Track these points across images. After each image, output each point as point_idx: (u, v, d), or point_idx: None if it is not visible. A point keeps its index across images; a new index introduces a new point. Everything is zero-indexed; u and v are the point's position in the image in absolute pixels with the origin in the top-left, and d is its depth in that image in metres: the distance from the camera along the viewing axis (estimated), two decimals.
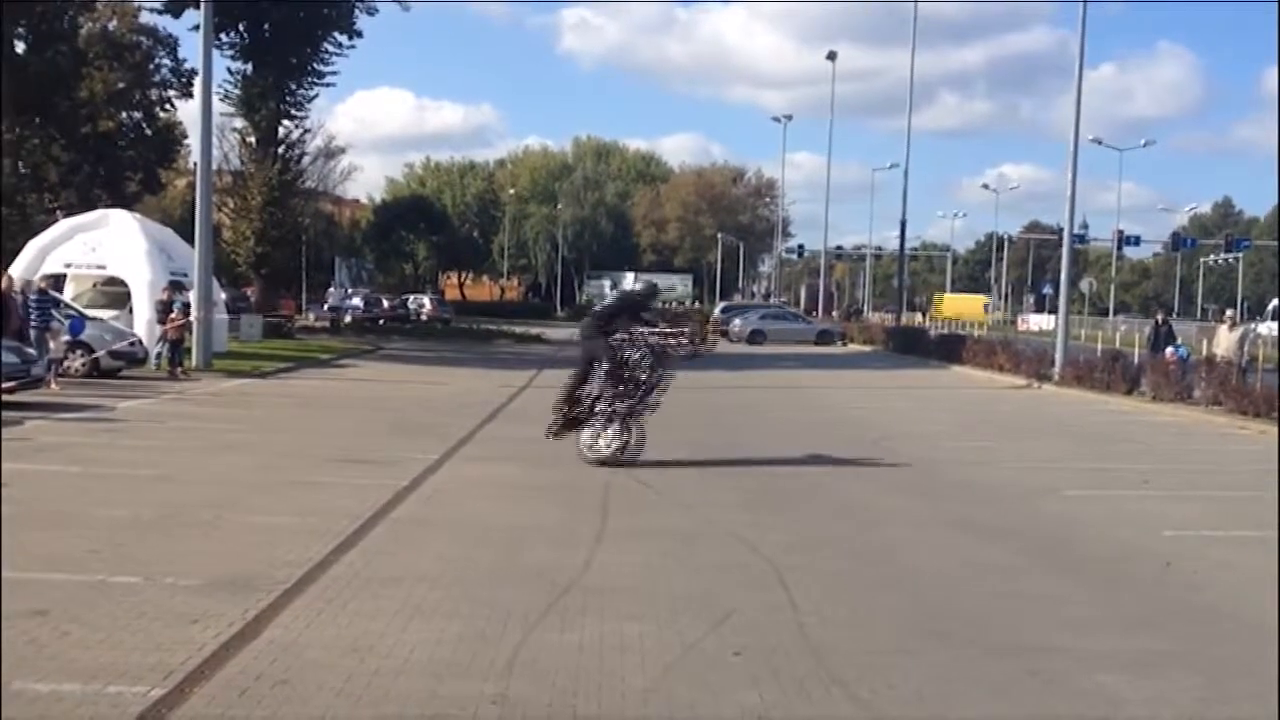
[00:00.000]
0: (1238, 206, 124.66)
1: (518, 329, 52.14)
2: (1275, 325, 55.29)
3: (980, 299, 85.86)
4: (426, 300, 69.37)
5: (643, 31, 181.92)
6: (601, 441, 13.20)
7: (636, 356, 13.21)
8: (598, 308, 14.43)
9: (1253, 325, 35.96)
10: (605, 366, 13.19)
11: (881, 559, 9.03)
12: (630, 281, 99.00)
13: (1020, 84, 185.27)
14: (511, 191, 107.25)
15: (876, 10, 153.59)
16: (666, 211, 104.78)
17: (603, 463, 12.96)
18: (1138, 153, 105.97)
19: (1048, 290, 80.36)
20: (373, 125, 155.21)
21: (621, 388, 13.09)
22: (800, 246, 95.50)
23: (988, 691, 6.01)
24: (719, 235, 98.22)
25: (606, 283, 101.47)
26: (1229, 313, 28.45)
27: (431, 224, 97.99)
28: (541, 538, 9.25)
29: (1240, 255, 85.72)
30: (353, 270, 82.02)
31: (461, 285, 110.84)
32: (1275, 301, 73.12)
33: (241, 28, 39.67)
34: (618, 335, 13.42)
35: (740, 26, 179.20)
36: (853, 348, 48.61)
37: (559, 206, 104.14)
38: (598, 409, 13.17)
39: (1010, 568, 8.82)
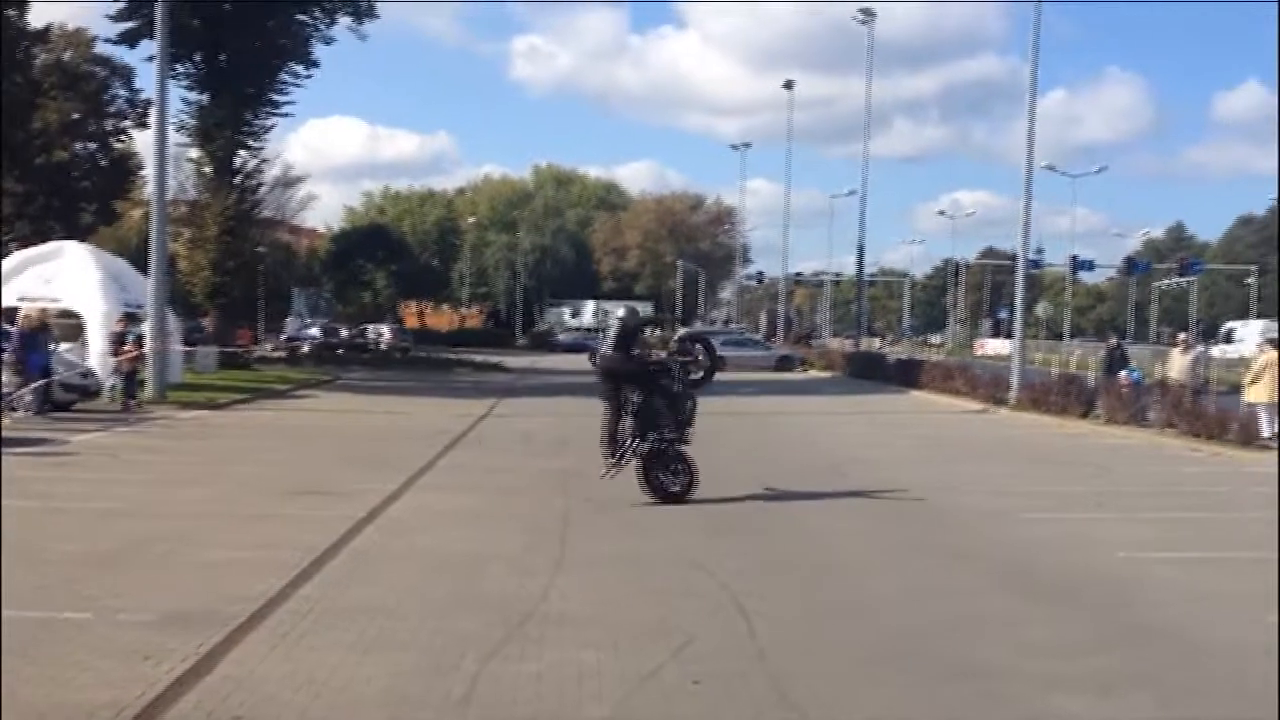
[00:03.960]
0: (1190, 231, 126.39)
1: (478, 358, 52.00)
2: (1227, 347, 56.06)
3: None
4: (386, 329, 68.98)
5: (594, 59, 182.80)
6: (666, 478, 12.92)
7: (674, 385, 13.13)
8: (605, 343, 13.64)
9: (1203, 348, 36.37)
10: (639, 398, 12.93)
11: (840, 584, 9.05)
12: (591, 311, 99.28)
13: (972, 110, 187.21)
14: (471, 219, 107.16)
15: (828, 38, 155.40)
16: (627, 239, 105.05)
17: (667, 500, 12.75)
18: (1090, 178, 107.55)
19: (1004, 315, 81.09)
20: (327, 154, 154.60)
21: (665, 418, 12.91)
22: (760, 273, 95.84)
23: (945, 715, 6.03)
24: (679, 262, 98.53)
25: (567, 310, 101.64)
26: (1182, 336, 28.76)
27: (390, 252, 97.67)
28: (500, 567, 9.21)
29: (1193, 279, 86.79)
30: (311, 299, 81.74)
31: (421, 314, 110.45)
32: (1227, 324, 74.15)
33: (197, 58, 39.44)
34: (652, 364, 13.37)
35: (693, 54, 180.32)
36: (812, 373, 48.83)
37: (519, 234, 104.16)
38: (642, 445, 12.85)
39: (968, 591, 8.87)
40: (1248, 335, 62.87)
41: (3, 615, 7.20)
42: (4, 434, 17.40)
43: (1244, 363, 27.18)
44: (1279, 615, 7.77)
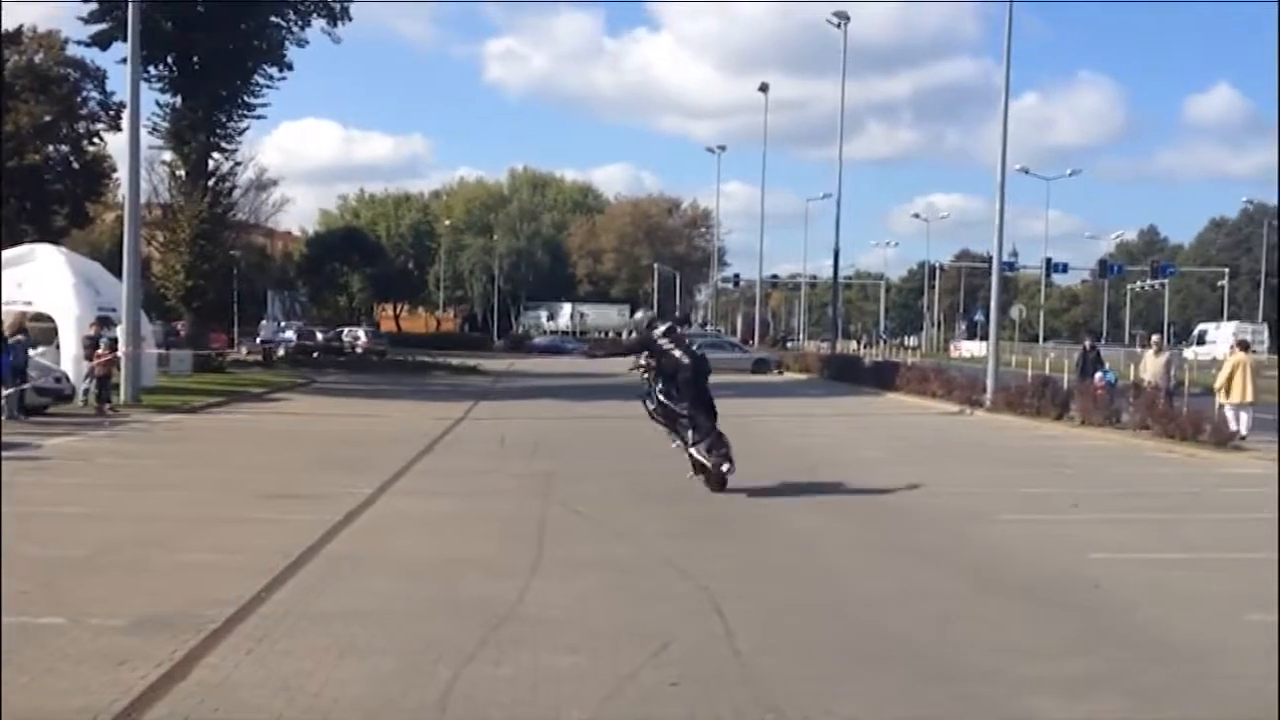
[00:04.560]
0: (1163, 234, 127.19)
1: (454, 361, 51.90)
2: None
3: None
4: (361, 332, 68.82)
5: (570, 61, 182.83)
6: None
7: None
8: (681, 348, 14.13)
9: (1176, 350, 36.63)
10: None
11: (817, 585, 9.06)
12: (567, 314, 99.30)
13: (945, 113, 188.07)
14: (447, 223, 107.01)
15: (800, 40, 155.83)
16: (603, 242, 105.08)
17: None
18: (1064, 181, 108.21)
19: (979, 317, 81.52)
20: (301, 156, 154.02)
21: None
22: (736, 276, 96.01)
23: (923, 716, 6.05)
24: (655, 265, 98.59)
25: (543, 313, 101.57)
26: (1155, 338, 28.95)
27: (366, 255, 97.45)
28: (476, 571, 9.18)
29: (1166, 281, 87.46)
30: (286, 303, 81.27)
31: (397, 317, 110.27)
32: (1200, 327, 74.74)
33: (170, 60, 39.24)
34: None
35: (667, 56, 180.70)
36: (789, 376, 48.89)
37: (495, 237, 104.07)
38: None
39: (945, 593, 8.89)
40: (1220, 337, 63.46)
41: None
42: None
43: (1217, 364, 27.38)
44: (1279, 615, 7.83)
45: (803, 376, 47.75)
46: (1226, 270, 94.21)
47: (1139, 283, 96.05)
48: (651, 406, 14.02)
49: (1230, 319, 79.72)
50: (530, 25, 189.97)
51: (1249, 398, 20.92)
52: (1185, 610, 8.47)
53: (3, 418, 19.80)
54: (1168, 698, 6.45)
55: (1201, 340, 67.67)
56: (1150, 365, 24.56)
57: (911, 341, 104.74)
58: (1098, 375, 26.12)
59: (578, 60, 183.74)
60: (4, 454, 15.85)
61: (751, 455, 18.14)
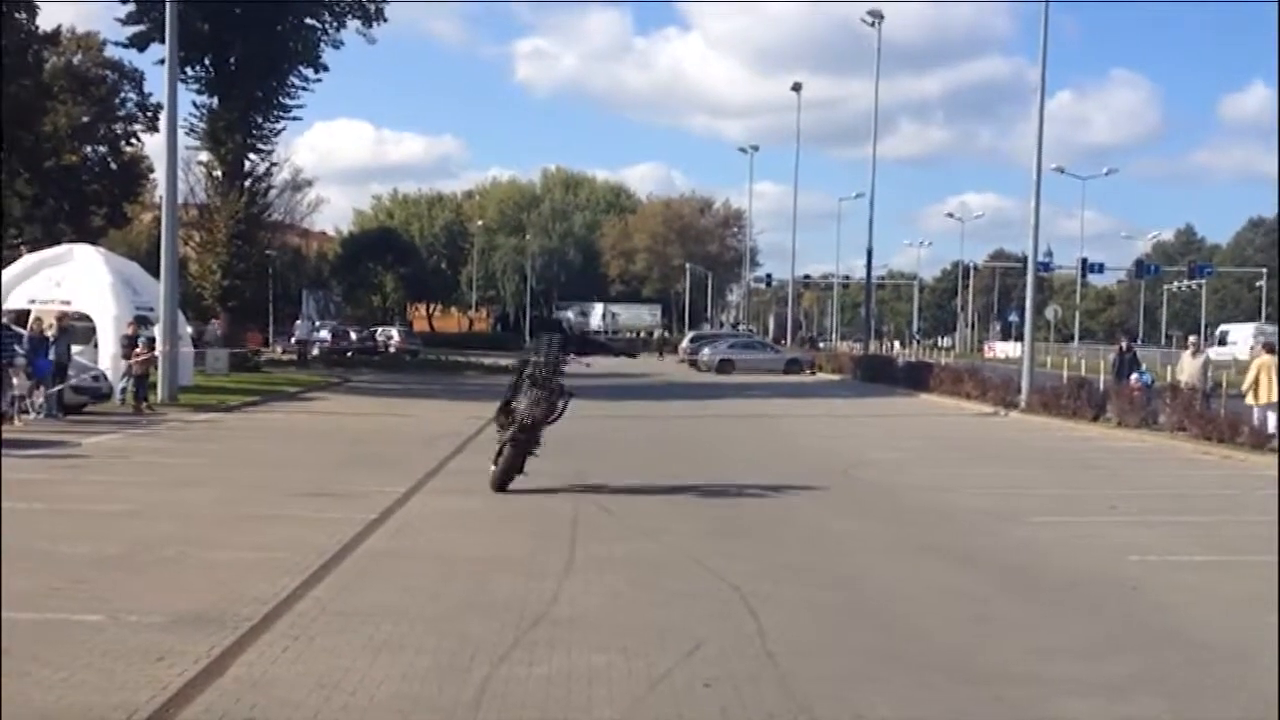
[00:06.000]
0: (1199, 234, 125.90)
1: (486, 360, 52.01)
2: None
3: None
4: (395, 332, 69.09)
5: (599, 60, 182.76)
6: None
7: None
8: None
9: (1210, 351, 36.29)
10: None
11: (850, 586, 9.04)
12: (600, 313, 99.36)
13: (977, 112, 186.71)
14: (479, 223, 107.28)
15: (831, 39, 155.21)
16: (635, 242, 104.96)
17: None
18: (1099, 180, 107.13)
19: (1014, 318, 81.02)
20: (334, 157, 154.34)
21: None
22: (768, 276, 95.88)
23: (955, 718, 6.02)
24: (687, 265, 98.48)
25: (575, 312, 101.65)
26: (1192, 339, 28.69)
27: (399, 256, 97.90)
28: (509, 569, 9.21)
29: (1203, 282, 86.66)
30: (320, 302, 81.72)
31: (430, 317, 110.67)
32: (1222, 327, 74.16)
33: (207, 61, 39.62)
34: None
35: (697, 55, 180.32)
36: (821, 376, 48.78)
37: (527, 237, 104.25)
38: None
39: (977, 594, 8.85)
40: (1240, 338, 63.11)
41: (15, 619, 7.21)
42: (18, 436, 17.46)
43: (1237, 364, 27.13)
44: (1279, 615, 7.74)
45: (835, 377, 47.62)
46: (1264, 270, 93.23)
47: (1175, 283, 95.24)
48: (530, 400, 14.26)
49: (1267, 320, 78.92)
50: (559, 24, 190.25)
51: (1272, 398, 20.67)
52: (1223, 612, 8.40)
53: (32, 415, 20.10)
54: (1204, 700, 6.41)
55: (1223, 341, 67.16)
56: (1187, 367, 24.37)
57: (945, 342, 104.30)
58: (1134, 376, 25.93)
59: (607, 59, 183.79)
60: (43, 452, 16.05)
61: (783, 455, 18.17)
